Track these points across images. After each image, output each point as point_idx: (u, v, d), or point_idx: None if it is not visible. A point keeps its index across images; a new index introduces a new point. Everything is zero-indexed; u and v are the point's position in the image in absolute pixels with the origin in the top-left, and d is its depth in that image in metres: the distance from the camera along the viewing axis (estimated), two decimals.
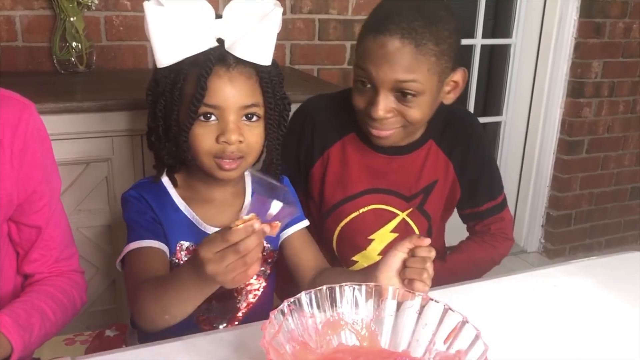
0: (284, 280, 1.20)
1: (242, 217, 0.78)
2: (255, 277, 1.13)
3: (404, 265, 0.93)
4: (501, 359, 0.75)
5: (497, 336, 0.79)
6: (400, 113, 1.17)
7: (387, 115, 1.16)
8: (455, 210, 1.44)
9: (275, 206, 0.83)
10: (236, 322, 1.13)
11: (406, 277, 0.92)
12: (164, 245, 1.03)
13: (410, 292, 0.85)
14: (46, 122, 1.02)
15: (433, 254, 0.93)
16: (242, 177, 1.13)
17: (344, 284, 0.84)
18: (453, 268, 1.34)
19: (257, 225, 0.77)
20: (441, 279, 1.24)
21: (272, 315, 0.76)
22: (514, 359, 0.88)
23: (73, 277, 1.05)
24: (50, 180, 1.00)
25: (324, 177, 1.32)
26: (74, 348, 1.32)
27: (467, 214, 1.42)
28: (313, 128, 1.31)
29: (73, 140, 1.61)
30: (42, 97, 1.57)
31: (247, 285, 1.12)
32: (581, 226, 3.15)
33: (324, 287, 0.83)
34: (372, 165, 1.31)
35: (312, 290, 0.83)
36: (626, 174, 3.17)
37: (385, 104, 1.15)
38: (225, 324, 1.12)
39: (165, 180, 1.08)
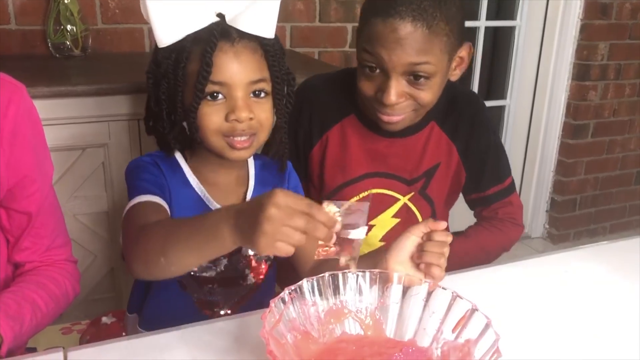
0: (284, 269, 1.17)
1: (336, 209, 0.75)
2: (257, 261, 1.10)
3: (419, 249, 0.90)
4: (513, 348, 0.72)
5: (508, 325, 0.76)
6: (412, 97, 1.14)
7: (399, 100, 1.13)
8: (462, 196, 1.41)
9: (359, 233, 0.79)
10: (238, 308, 1.10)
11: (423, 262, 0.89)
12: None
13: (425, 279, 0.82)
14: (41, 107, 1.00)
15: (450, 238, 0.90)
16: (246, 162, 1.10)
17: (347, 270, 0.81)
18: (459, 253, 1.30)
19: (338, 227, 0.75)
20: (447, 265, 1.21)
21: (272, 303, 0.73)
22: (527, 348, 0.85)
23: (65, 267, 1.02)
24: (42, 164, 0.96)
25: (323, 160, 1.30)
26: (71, 337, 1.29)
27: (474, 200, 1.39)
28: (311, 110, 1.28)
29: (68, 126, 1.58)
30: (36, 81, 1.55)
31: (251, 272, 1.10)
32: (586, 211, 3.12)
33: (327, 274, 0.81)
34: (373, 148, 1.28)
35: (314, 278, 0.80)
36: (632, 158, 3.13)
37: (397, 89, 1.12)
38: (226, 310, 1.10)
39: (178, 155, 1.05)
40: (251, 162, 1.11)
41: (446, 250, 0.89)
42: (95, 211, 1.69)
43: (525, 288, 1.03)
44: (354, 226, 0.79)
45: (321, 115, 1.28)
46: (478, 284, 1.02)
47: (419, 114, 1.20)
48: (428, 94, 1.14)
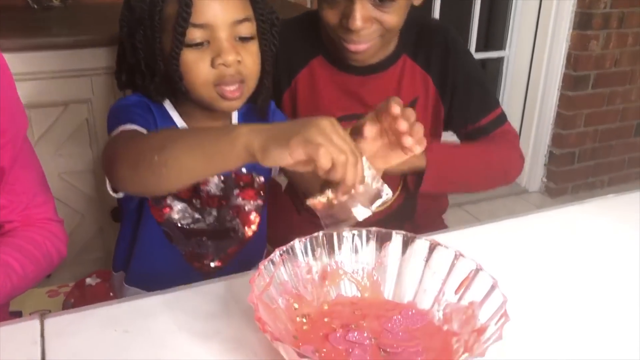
0: (276, 227, 1.12)
1: (369, 176, 0.72)
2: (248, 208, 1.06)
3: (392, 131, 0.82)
4: (519, 310, 0.67)
5: (513, 284, 0.72)
6: (378, 20, 1.10)
7: (365, 26, 1.09)
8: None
9: (360, 213, 0.73)
10: (229, 260, 1.07)
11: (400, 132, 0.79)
12: None
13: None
14: (19, 61, 0.94)
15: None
16: (230, 114, 1.04)
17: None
18: (459, 159, 1.25)
19: (360, 188, 0.70)
20: (447, 168, 1.18)
21: (261, 266, 0.68)
22: (533, 309, 0.80)
23: (48, 227, 0.96)
24: (12, 116, 0.89)
25: (294, 106, 1.25)
26: (57, 300, 1.26)
27: (470, 132, 1.32)
28: (276, 57, 1.22)
29: (49, 80, 1.52)
30: (14, 33, 1.49)
31: (241, 223, 1.06)
32: (584, 164, 3.08)
33: (320, 233, 0.76)
34: (345, 87, 1.24)
35: (307, 237, 0.75)
36: (632, 110, 3.06)
37: (362, 13, 1.08)
38: (216, 262, 1.07)
39: (167, 104, 0.99)
40: (234, 115, 1.06)
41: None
42: (80, 169, 1.64)
43: (530, 244, 0.99)
44: (362, 202, 0.74)
45: (287, 61, 1.23)
46: (479, 241, 0.97)
47: (386, 40, 1.16)
48: (394, 17, 1.10)
